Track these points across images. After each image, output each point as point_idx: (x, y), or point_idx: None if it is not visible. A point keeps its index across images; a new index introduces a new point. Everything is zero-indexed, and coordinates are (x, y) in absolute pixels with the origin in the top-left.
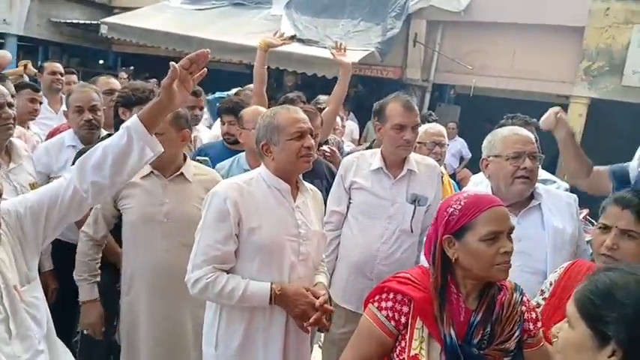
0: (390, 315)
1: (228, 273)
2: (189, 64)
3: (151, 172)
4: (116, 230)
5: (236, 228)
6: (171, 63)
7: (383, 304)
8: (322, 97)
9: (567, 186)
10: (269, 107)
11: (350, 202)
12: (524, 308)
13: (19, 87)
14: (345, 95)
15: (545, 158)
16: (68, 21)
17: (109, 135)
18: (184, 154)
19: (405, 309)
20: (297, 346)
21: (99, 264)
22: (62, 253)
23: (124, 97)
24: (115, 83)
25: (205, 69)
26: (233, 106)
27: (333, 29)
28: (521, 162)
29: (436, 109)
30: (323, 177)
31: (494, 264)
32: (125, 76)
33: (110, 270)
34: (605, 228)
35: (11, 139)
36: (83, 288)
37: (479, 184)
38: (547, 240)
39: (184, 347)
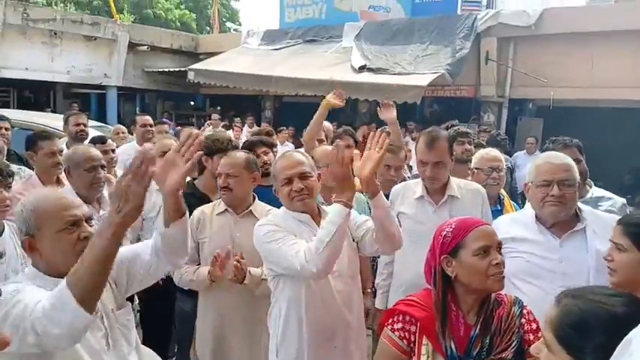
0: (402, 335)
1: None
2: (180, 147)
3: (225, 209)
4: None
5: None
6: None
7: (395, 326)
8: None
9: (624, 201)
10: (336, 133)
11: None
12: (523, 320)
13: (92, 142)
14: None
15: (629, 172)
16: (160, 70)
17: (194, 179)
18: (253, 195)
19: (413, 328)
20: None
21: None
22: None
23: (206, 146)
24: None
25: (201, 152)
26: (261, 140)
27: (402, 55)
28: (550, 189)
29: (518, 123)
30: None
31: (489, 275)
32: (217, 117)
33: (193, 295)
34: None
35: None
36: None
37: None
38: (589, 262)
39: None
